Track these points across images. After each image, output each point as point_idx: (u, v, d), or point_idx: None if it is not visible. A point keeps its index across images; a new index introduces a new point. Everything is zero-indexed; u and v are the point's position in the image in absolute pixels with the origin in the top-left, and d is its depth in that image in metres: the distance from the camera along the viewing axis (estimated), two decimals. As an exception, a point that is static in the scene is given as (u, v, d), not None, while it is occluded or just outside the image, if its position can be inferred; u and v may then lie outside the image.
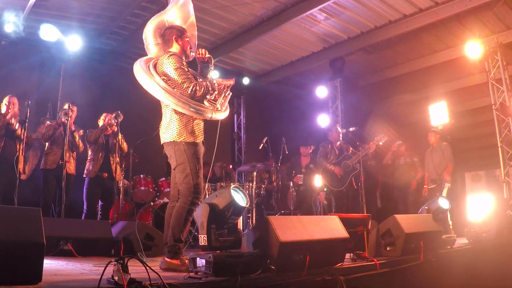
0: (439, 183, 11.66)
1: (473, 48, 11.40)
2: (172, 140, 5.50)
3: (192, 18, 6.31)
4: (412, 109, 14.93)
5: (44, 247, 3.61)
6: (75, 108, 9.58)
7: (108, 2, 10.47)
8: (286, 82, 16.09)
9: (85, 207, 9.80)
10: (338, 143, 10.89)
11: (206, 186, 11.28)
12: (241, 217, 5.21)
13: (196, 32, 6.38)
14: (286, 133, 11.43)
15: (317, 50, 14.16)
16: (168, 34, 5.87)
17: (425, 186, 11.99)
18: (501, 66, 11.57)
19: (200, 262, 4.51)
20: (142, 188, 10.87)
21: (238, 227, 5.14)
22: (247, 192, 11.26)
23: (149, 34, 6.08)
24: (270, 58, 14.87)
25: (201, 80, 5.76)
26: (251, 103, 17.05)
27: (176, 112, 5.51)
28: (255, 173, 11.20)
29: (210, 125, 5.94)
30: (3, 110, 9.10)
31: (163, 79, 5.48)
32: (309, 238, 5.03)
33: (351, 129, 10.69)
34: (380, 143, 10.55)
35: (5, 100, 9.14)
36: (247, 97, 17.02)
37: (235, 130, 17.05)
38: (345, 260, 5.62)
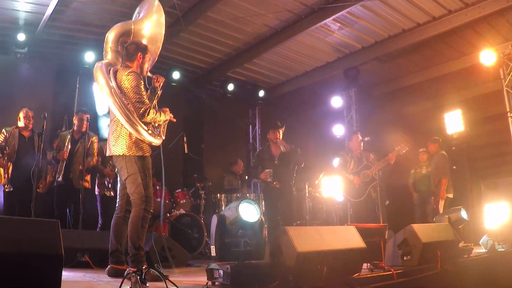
0: (435, 196, 11.65)
1: (487, 55, 11.35)
2: (122, 154, 5.71)
3: (160, 44, 6.57)
4: (427, 117, 14.88)
5: (62, 259, 3.63)
6: (85, 116, 9.60)
7: (124, 15, 10.51)
8: (301, 92, 16.10)
9: (100, 221, 9.87)
10: (358, 151, 10.79)
11: (222, 197, 11.37)
12: (264, 226, 5.20)
13: (158, 53, 6.65)
14: (301, 143, 11.33)
15: (331, 60, 14.15)
16: (134, 49, 6.00)
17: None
18: (515, 73, 11.53)
19: (218, 272, 4.52)
20: (158, 199, 10.86)
21: (263, 237, 5.14)
22: (263, 202, 11.26)
23: (111, 38, 6.25)
24: (284, 68, 14.88)
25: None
26: (266, 114, 16.98)
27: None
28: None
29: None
30: (21, 124, 9.17)
31: (119, 92, 5.70)
32: (326, 248, 5.05)
33: (366, 138, 10.64)
34: (402, 153, 10.45)
35: (22, 113, 9.22)
36: (262, 108, 16.97)
37: (250, 141, 17.01)
38: (362, 270, 5.63)
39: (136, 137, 5.68)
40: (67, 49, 12.18)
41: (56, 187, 9.36)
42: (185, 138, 10.15)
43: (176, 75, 13.55)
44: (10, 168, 8.98)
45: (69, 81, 12.01)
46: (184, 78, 14.03)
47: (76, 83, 12.04)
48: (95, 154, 9.74)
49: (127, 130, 5.67)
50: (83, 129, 9.52)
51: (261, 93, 15.83)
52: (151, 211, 5.78)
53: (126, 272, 5.36)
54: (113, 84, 5.71)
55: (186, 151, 10.18)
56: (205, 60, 14.10)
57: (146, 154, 5.82)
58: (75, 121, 9.62)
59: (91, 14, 10.83)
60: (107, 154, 6.05)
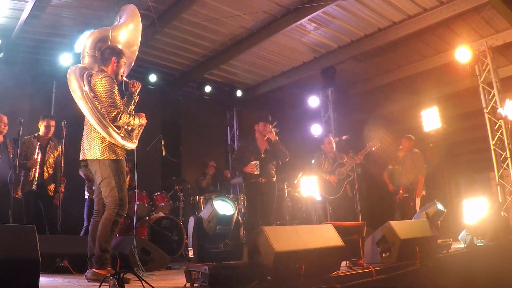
0: (411, 193, 11.71)
1: (463, 52, 11.44)
2: (95, 159, 5.72)
3: (137, 47, 6.57)
4: (405, 115, 14.98)
5: (39, 264, 3.61)
6: (52, 123, 9.55)
7: (99, 18, 10.48)
8: (278, 93, 16.11)
9: (85, 224, 9.87)
10: (332, 152, 10.84)
11: (201, 199, 11.35)
12: (241, 227, 5.22)
13: (135, 57, 6.64)
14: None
15: (308, 60, 14.19)
16: (108, 54, 6.03)
17: (400, 191, 12.05)
18: (491, 69, 11.61)
19: (196, 274, 4.52)
20: (137, 203, 10.81)
21: (240, 237, 5.15)
22: (242, 203, 11.24)
23: (88, 44, 6.29)
24: (261, 69, 14.91)
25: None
26: (243, 115, 17.02)
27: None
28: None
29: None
30: None
31: (92, 96, 5.72)
32: (304, 247, 5.05)
33: (343, 137, 10.71)
34: (373, 149, 10.52)
35: None
36: (240, 109, 17.01)
37: (229, 143, 17.01)
38: (341, 268, 5.63)
39: (109, 141, 5.69)
40: (43, 54, 12.11)
41: (26, 194, 9.25)
42: (162, 141, 10.10)
43: (152, 77, 13.55)
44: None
45: (45, 86, 11.95)
46: (160, 81, 14.02)
47: (53, 88, 11.99)
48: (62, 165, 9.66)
49: (100, 134, 5.68)
50: (50, 135, 9.49)
51: (238, 94, 15.82)
52: (124, 215, 5.80)
53: (87, 273, 5.49)
54: (86, 88, 5.74)
55: (164, 153, 10.13)
56: (181, 62, 14.11)
57: (120, 158, 5.81)
58: (42, 127, 9.52)
59: (66, 18, 10.78)
60: (80, 158, 6.01)
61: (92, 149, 5.72)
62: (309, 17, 11.16)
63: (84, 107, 5.71)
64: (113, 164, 5.70)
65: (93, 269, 5.46)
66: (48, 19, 10.80)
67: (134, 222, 5.94)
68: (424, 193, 11.78)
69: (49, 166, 9.44)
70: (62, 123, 9.08)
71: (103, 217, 5.67)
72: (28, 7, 9.97)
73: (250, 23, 11.87)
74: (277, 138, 9.46)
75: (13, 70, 11.60)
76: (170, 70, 14.49)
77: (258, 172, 9.27)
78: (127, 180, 10.19)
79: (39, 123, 9.59)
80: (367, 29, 12.19)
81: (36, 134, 9.53)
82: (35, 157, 9.23)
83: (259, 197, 9.36)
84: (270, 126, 9.52)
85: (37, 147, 9.32)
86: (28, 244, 3.67)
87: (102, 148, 5.68)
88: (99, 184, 5.83)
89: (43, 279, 3.99)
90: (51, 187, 9.39)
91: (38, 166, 9.23)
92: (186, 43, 12.77)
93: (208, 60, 13.98)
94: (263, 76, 15.52)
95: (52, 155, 9.43)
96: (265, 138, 9.50)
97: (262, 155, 9.45)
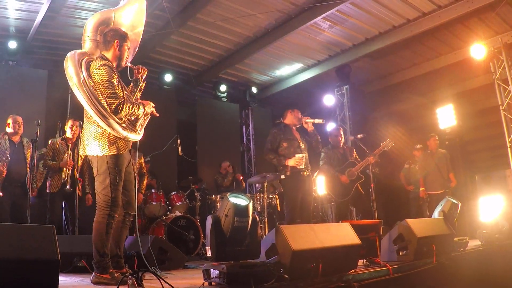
0: (447, 189, 11.64)
1: (478, 49, 11.37)
2: (95, 155, 5.36)
3: (141, 28, 6.19)
4: (420, 113, 14.92)
5: (59, 264, 3.62)
6: (77, 123, 9.56)
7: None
8: (293, 92, 16.11)
9: None
10: (341, 146, 10.56)
11: (217, 198, 11.36)
12: (258, 226, 5.19)
13: (140, 40, 6.24)
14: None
15: (323, 58, 14.22)
16: (111, 36, 5.65)
17: (422, 189, 11.92)
18: (506, 66, 11.53)
19: (214, 273, 4.53)
20: (154, 202, 10.85)
21: (257, 236, 5.14)
22: (258, 202, 11.24)
23: (90, 27, 5.90)
24: (276, 68, 14.95)
25: (126, 93, 5.60)
26: (259, 114, 17.02)
27: (100, 125, 5.34)
28: (266, 183, 11.06)
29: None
30: (9, 130, 9.11)
31: (91, 85, 5.32)
32: (321, 245, 5.04)
33: (359, 136, 10.60)
34: (387, 149, 10.38)
35: (10, 119, 9.15)
36: (255, 108, 16.98)
37: (244, 142, 17.02)
38: (358, 266, 5.63)
39: (109, 133, 5.32)
40: (58, 55, 12.13)
41: (55, 195, 9.28)
42: (179, 141, 10.14)
43: (168, 77, 13.57)
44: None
45: (61, 87, 12.01)
46: (176, 81, 14.06)
47: (69, 89, 12.03)
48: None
49: (101, 128, 5.32)
50: (75, 137, 9.50)
51: (253, 94, 15.84)
52: (116, 215, 5.41)
53: (92, 276, 5.26)
54: (84, 74, 5.36)
55: (180, 153, 10.16)
56: (196, 62, 14.15)
57: (121, 152, 5.43)
58: (68, 129, 9.54)
59: (81, 19, 10.85)
60: (80, 153, 5.68)
61: (91, 144, 5.36)
62: (323, 15, 11.18)
63: (80, 95, 5.32)
64: (112, 160, 5.34)
65: (95, 273, 5.23)
66: (63, 20, 10.89)
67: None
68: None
69: (77, 167, 9.47)
70: (78, 123, 9.15)
71: (95, 220, 5.35)
72: (43, 9, 10.05)
73: (265, 22, 11.90)
74: (313, 128, 8.95)
75: (29, 72, 11.68)
76: (186, 70, 14.50)
77: (303, 167, 8.48)
78: (145, 180, 10.23)
79: (65, 126, 9.65)
80: (382, 27, 12.20)
81: (63, 136, 9.58)
82: (66, 158, 9.28)
83: (300, 192, 8.44)
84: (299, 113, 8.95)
85: (67, 148, 9.38)
86: (48, 244, 3.68)
87: (102, 143, 5.32)
88: (94, 177, 5.50)
89: (61, 279, 4.01)
90: (80, 187, 9.43)
91: (70, 167, 9.29)
92: (201, 43, 12.81)
93: (223, 60, 14.05)
94: (278, 75, 15.54)
95: (80, 157, 9.44)
96: (295, 128, 8.97)
97: (302, 146, 8.73)
